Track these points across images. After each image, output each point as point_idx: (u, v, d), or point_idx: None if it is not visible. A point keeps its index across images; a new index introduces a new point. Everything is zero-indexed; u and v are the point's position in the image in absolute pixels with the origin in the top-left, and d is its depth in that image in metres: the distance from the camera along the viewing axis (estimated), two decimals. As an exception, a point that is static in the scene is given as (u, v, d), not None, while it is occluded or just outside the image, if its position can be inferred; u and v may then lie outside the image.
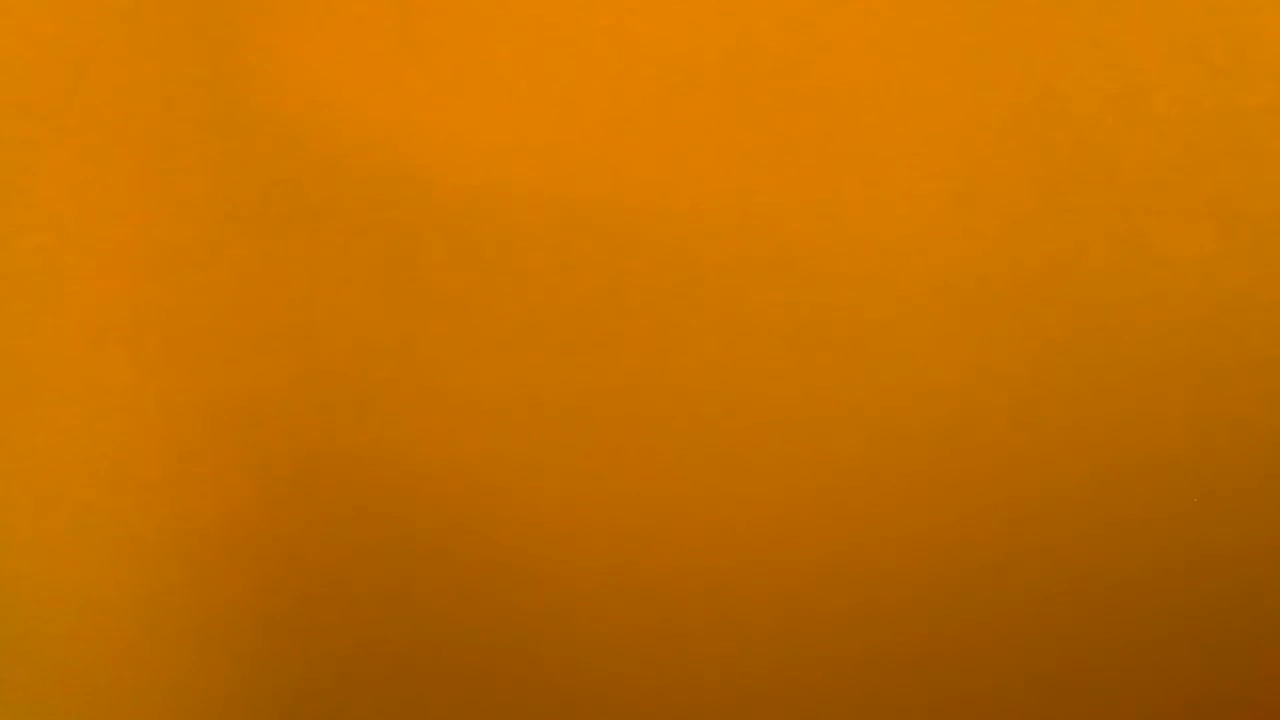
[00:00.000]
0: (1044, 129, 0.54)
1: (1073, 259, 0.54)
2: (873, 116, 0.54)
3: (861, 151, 0.55)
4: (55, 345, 0.57)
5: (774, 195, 0.55)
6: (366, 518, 0.57)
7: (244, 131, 0.56)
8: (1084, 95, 0.54)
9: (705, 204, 0.55)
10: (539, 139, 0.55)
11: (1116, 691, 0.56)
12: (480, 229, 0.56)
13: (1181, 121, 0.53)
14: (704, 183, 0.55)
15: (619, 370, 0.56)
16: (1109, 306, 0.54)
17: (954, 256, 0.55)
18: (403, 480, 0.57)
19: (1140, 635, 0.55)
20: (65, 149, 0.56)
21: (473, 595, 0.57)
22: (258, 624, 0.57)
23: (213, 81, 0.56)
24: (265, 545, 0.57)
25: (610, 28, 0.55)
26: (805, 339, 0.55)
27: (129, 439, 0.57)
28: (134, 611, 0.57)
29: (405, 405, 0.57)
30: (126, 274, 0.57)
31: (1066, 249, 0.54)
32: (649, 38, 0.55)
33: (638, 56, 0.55)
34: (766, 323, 0.55)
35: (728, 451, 0.56)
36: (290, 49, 0.56)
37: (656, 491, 0.56)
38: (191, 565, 0.57)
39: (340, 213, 0.56)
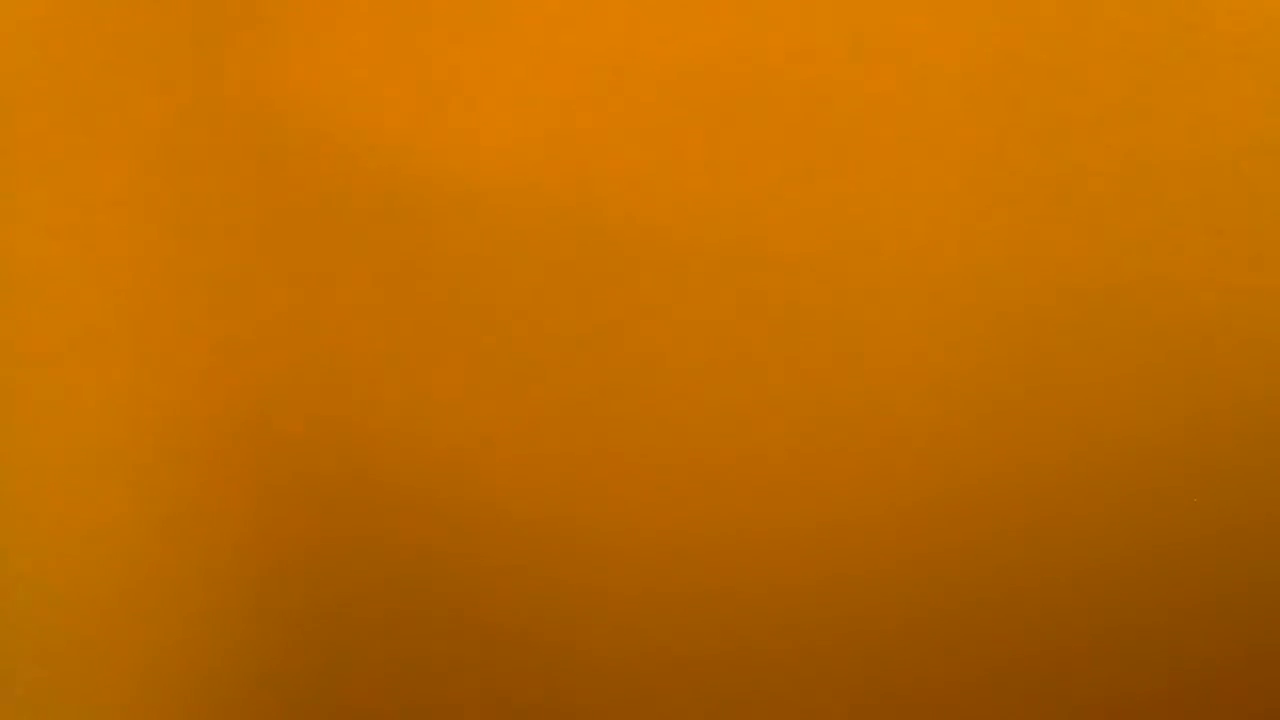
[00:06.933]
0: (1044, 130, 0.54)
1: (1073, 258, 0.54)
2: (875, 118, 0.55)
3: (864, 153, 0.55)
4: (56, 346, 0.57)
5: (781, 195, 0.55)
6: (369, 517, 0.57)
7: (244, 133, 0.56)
8: (1085, 96, 0.54)
9: (709, 204, 0.55)
10: (542, 141, 0.55)
11: (1119, 694, 0.56)
12: (484, 230, 0.56)
13: (1183, 122, 0.54)
14: (708, 183, 0.55)
15: (624, 370, 0.56)
16: (1110, 305, 0.55)
17: (956, 256, 0.55)
18: (409, 479, 0.57)
19: (1139, 635, 0.56)
20: (68, 151, 0.56)
21: (473, 592, 0.57)
22: (255, 625, 0.57)
23: (215, 83, 0.56)
24: (266, 546, 0.57)
25: (615, 31, 0.55)
26: (807, 338, 0.55)
27: (129, 440, 0.57)
28: (133, 610, 0.57)
29: (407, 405, 0.57)
30: (128, 276, 0.57)
31: (1067, 248, 0.54)
32: (652, 40, 0.55)
33: (640, 58, 0.55)
34: (771, 322, 0.55)
35: (731, 451, 0.56)
36: (293, 53, 0.56)
37: (660, 490, 0.56)
38: (192, 566, 0.57)
39: (342, 214, 0.56)
